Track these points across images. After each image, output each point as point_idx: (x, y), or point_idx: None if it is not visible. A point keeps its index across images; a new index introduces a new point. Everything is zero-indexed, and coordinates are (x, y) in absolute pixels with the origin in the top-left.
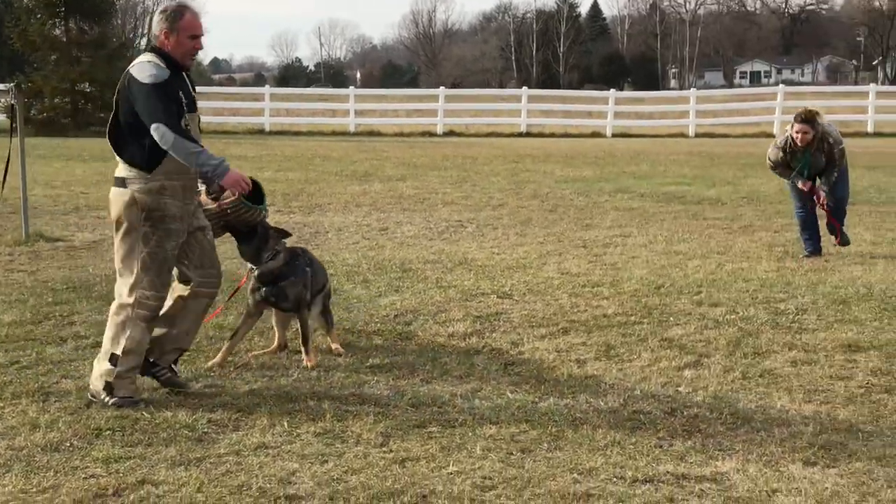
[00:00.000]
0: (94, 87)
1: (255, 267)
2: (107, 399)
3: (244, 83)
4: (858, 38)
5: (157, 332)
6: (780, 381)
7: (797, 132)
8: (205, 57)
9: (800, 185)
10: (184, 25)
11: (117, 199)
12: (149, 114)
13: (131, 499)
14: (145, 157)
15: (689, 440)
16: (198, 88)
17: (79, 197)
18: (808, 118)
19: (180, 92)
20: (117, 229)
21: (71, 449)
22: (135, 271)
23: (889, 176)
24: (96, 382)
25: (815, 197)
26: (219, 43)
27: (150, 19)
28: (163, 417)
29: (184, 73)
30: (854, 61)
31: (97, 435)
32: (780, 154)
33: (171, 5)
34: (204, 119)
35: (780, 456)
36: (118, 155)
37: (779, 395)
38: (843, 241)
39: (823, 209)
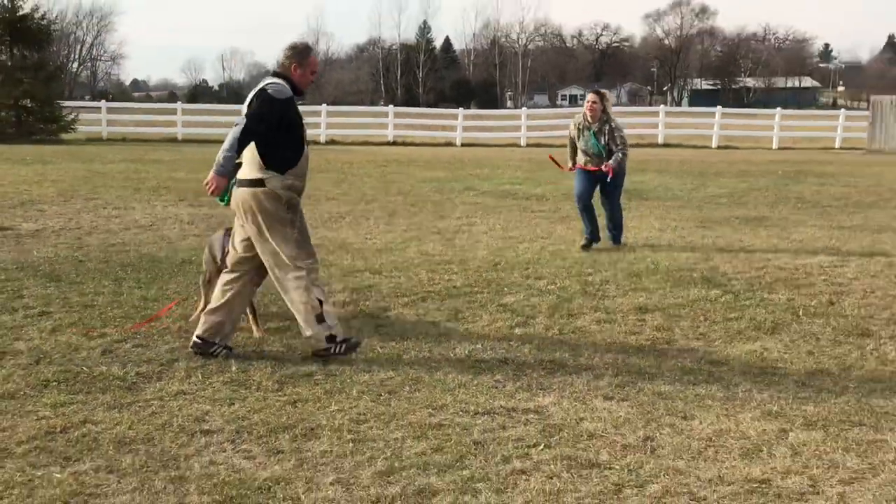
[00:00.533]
0: (35, 102)
1: None
2: (336, 349)
3: (160, 100)
4: (652, 69)
5: (215, 316)
6: (588, 336)
7: (588, 102)
8: (126, 78)
9: (581, 164)
10: (310, 62)
11: (254, 196)
12: (252, 113)
13: (75, 435)
14: (283, 161)
15: (518, 382)
16: (122, 105)
17: (23, 194)
18: (598, 92)
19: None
20: (258, 224)
21: (24, 397)
22: (294, 250)
23: (673, 178)
24: (318, 344)
25: (603, 167)
26: (138, 66)
27: (282, 52)
28: (99, 371)
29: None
30: (649, 87)
31: (45, 385)
32: (573, 128)
33: (301, 44)
34: (126, 129)
35: (585, 393)
36: (262, 160)
37: (586, 347)
38: (617, 238)
39: (607, 171)
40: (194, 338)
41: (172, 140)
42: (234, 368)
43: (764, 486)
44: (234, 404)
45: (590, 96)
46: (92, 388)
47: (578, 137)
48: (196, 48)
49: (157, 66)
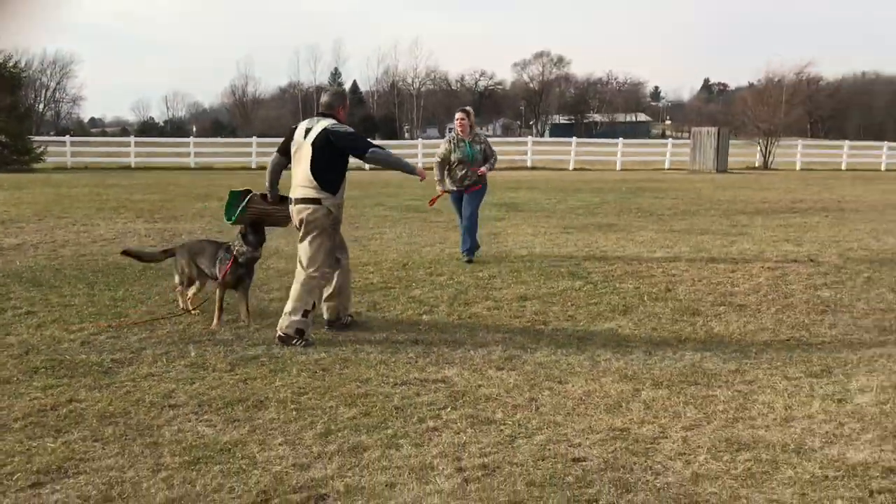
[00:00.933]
0: (9, 138)
1: (245, 253)
2: (298, 342)
3: (113, 135)
4: (520, 107)
5: (333, 301)
6: (481, 320)
7: (457, 119)
8: (85, 116)
9: (447, 186)
10: (347, 105)
11: (314, 212)
12: (364, 145)
13: (63, 412)
14: (336, 185)
15: (427, 358)
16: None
17: (3, 214)
18: (464, 110)
19: None
20: (309, 232)
21: (17, 381)
22: (321, 257)
23: (540, 194)
24: (288, 330)
25: (479, 171)
26: (94, 105)
27: (324, 96)
28: (79, 359)
29: None
30: (518, 122)
31: (35, 372)
32: (446, 146)
33: (342, 89)
34: (88, 159)
35: (481, 365)
36: (320, 185)
37: (480, 329)
38: (471, 250)
39: (482, 174)
40: (326, 324)
41: (127, 168)
42: (192, 354)
43: (624, 433)
44: (195, 383)
45: (458, 114)
46: (75, 373)
47: (453, 150)
48: (144, 89)
49: (109, 105)
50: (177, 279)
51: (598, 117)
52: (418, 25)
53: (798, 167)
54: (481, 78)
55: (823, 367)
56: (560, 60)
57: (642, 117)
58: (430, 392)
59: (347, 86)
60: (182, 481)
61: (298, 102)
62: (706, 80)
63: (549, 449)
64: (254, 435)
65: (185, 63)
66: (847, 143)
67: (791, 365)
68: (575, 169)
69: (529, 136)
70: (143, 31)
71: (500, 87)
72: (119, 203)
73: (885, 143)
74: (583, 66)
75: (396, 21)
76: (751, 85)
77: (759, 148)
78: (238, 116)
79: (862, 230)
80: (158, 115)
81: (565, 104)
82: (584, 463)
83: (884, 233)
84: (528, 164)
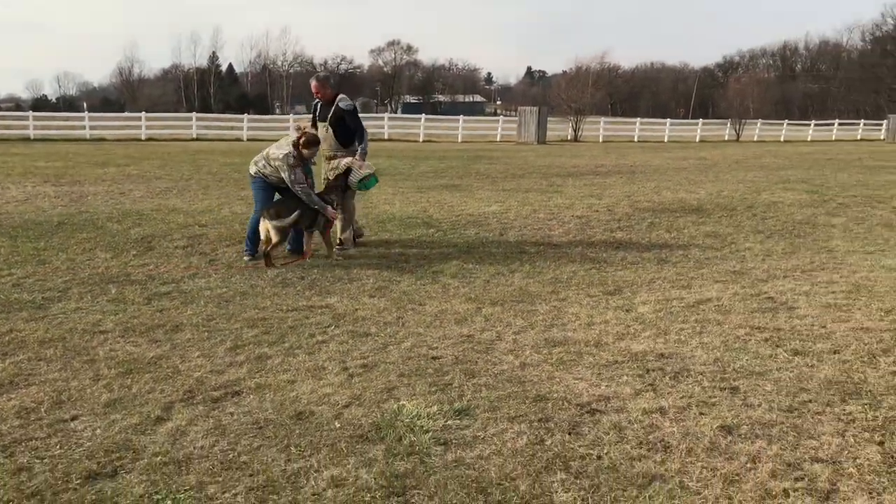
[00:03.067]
0: None
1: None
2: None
3: (9, 110)
4: (377, 88)
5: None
6: (355, 259)
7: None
8: None
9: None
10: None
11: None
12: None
13: (5, 339)
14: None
15: (312, 290)
16: None
17: None
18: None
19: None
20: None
21: None
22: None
23: (398, 161)
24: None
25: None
26: None
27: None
28: (14, 297)
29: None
30: (375, 100)
31: None
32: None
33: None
34: None
35: (357, 294)
36: (346, 144)
37: (354, 266)
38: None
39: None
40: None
41: (26, 139)
42: (113, 291)
43: (470, 338)
44: (118, 314)
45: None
46: (11, 309)
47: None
48: (35, 71)
49: (2, 85)
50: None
51: (442, 97)
52: (287, 14)
53: (601, 139)
54: (342, 62)
55: (616, 288)
56: (409, 48)
57: (478, 98)
58: (317, 315)
59: (224, 67)
60: (120, 386)
61: (180, 82)
62: (529, 68)
63: (414, 351)
64: (175, 351)
65: (76, 40)
66: (639, 119)
67: (592, 286)
68: (424, 141)
69: (386, 113)
70: (30, 16)
71: (358, 70)
72: (25, 169)
73: (668, 120)
74: (429, 54)
75: (268, 10)
76: (564, 72)
77: (570, 123)
78: (126, 94)
79: (647, 187)
80: (51, 92)
81: (414, 86)
82: (440, 360)
83: (663, 189)
84: (386, 136)
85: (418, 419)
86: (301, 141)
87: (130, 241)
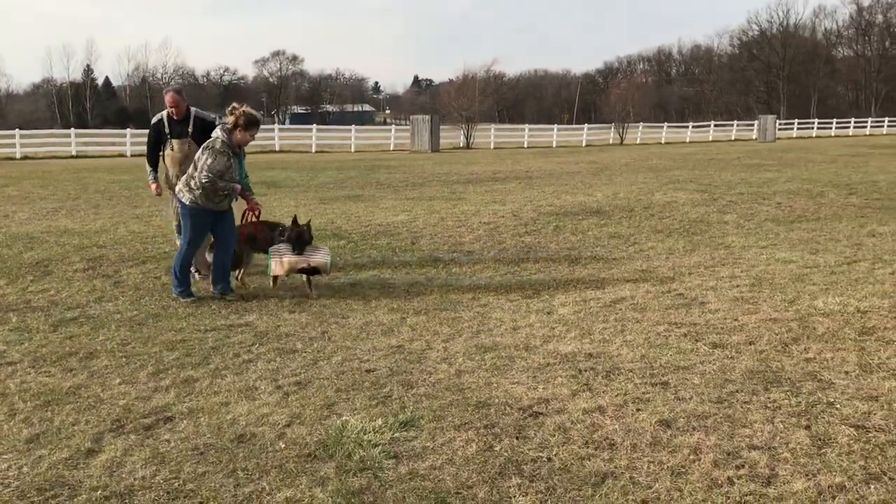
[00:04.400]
0: None
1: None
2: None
3: None
4: (262, 99)
5: None
6: (267, 278)
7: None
8: None
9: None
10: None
11: None
12: None
13: None
14: None
15: (228, 308)
16: None
17: None
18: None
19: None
20: None
21: None
22: None
23: (294, 172)
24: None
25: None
26: None
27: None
28: None
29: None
30: (262, 111)
31: None
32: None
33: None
34: None
35: (276, 310)
36: None
37: (267, 284)
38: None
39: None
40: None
41: None
42: (13, 320)
43: (400, 348)
44: (23, 343)
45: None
46: None
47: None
48: None
49: None
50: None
51: (330, 107)
52: (167, 26)
53: (493, 146)
54: (225, 73)
55: (534, 291)
56: (295, 58)
57: (367, 107)
58: (238, 334)
59: (100, 81)
60: (40, 420)
61: (53, 97)
62: (416, 76)
63: (346, 365)
64: (93, 379)
65: None
66: (528, 126)
67: (511, 291)
68: (317, 151)
69: (276, 124)
70: None
71: (242, 81)
72: None
73: (555, 126)
74: (315, 64)
75: (146, 22)
76: (451, 80)
77: (462, 131)
78: None
79: (547, 192)
80: None
81: (302, 96)
82: (375, 372)
83: (562, 193)
84: (276, 147)
85: (364, 434)
86: (240, 121)
87: (25, 265)
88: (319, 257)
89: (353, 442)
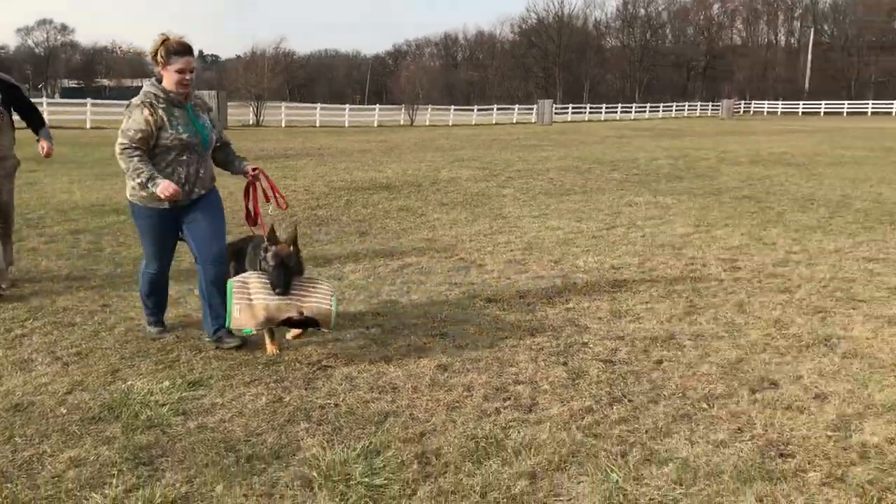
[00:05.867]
0: None
1: None
2: None
3: None
4: (28, 71)
5: None
6: (41, 254)
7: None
8: None
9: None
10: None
11: None
12: None
13: None
14: None
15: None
16: None
17: None
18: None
19: None
20: None
21: None
22: None
23: (66, 149)
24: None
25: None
26: None
27: None
28: None
29: None
30: (27, 84)
31: None
32: (150, 117)
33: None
34: None
35: (51, 287)
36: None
37: (44, 260)
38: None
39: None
40: None
41: None
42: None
43: (187, 317)
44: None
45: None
46: None
47: (170, 125)
48: None
49: None
50: None
51: (107, 82)
52: None
53: (283, 124)
54: None
55: (325, 261)
56: (64, 28)
57: (148, 82)
58: (9, 311)
59: None
60: None
61: None
62: (201, 51)
63: (130, 335)
64: None
65: None
66: (319, 105)
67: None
68: (93, 127)
69: (43, 98)
70: None
71: (3, 51)
72: None
73: (347, 106)
74: (88, 35)
75: None
76: (238, 56)
77: (251, 108)
78: None
79: (339, 168)
80: None
81: (73, 69)
82: (161, 340)
83: (354, 170)
84: (46, 123)
85: (151, 395)
86: (160, 56)
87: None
88: (316, 301)
89: (139, 403)
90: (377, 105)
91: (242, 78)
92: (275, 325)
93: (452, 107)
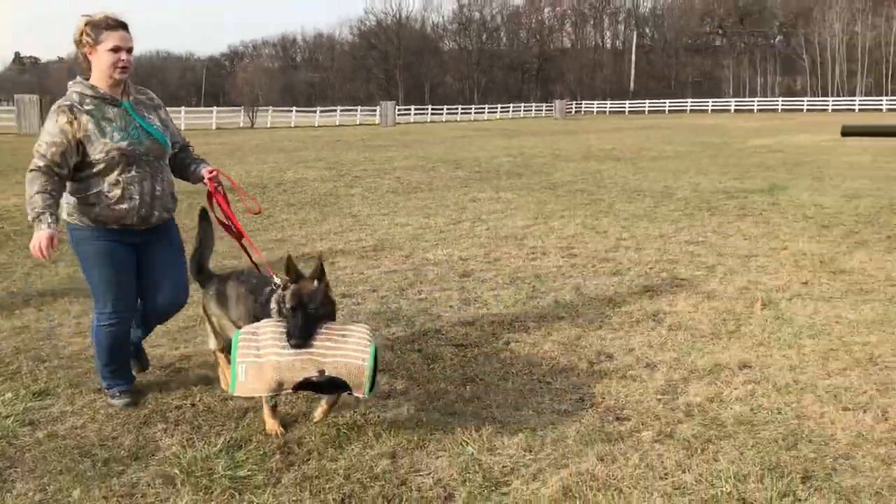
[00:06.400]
0: None
1: None
2: None
3: None
4: None
5: None
6: None
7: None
8: None
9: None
10: None
11: None
12: None
13: None
14: None
15: None
16: None
17: None
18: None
19: None
20: None
21: None
22: None
23: None
24: None
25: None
26: None
27: None
28: None
29: None
30: None
31: None
32: (76, 122)
33: None
34: None
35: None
36: None
37: None
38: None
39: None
40: None
41: None
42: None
43: (25, 328)
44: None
45: (119, 33)
46: None
47: (104, 133)
48: None
49: None
50: None
51: None
52: None
53: None
54: None
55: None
56: None
57: (71, 82)
58: None
59: None
60: None
61: None
62: (18, 54)
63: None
64: None
65: None
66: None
67: None
68: None
69: None
70: None
71: None
72: None
73: (182, 108)
74: None
75: None
76: (61, 59)
77: None
78: None
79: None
80: None
81: None
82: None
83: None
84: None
85: None
86: (82, 39)
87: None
88: (343, 354)
89: None
90: (214, 107)
91: (68, 81)
92: (291, 392)
93: (294, 108)
